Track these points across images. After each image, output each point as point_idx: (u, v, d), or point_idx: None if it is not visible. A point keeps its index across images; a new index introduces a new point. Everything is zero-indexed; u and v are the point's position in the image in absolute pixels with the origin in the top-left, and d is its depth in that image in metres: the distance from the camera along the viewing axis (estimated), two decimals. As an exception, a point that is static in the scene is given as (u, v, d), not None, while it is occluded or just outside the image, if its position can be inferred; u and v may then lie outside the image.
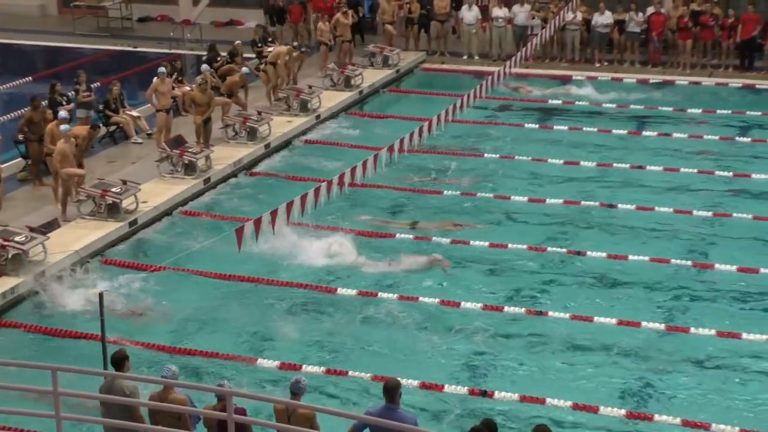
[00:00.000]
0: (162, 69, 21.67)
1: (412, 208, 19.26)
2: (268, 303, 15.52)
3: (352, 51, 27.60)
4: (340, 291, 15.85)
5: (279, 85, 24.41)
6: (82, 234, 17.39)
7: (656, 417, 12.57)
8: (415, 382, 13.17)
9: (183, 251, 16.32)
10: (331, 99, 24.65)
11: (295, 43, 26.06)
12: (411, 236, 17.83)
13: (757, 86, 26.04)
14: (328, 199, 17.49)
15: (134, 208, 18.24)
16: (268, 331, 14.74)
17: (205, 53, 25.40)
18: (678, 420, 12.45)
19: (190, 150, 20.04)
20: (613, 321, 14.75)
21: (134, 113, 22.47)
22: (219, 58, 24.57)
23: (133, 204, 18.25)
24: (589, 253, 16.88)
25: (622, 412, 12.66)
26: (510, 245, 17.20)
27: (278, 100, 24.05)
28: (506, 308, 15.20)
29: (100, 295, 12.35)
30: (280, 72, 24.40)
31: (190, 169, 19.83)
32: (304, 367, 13.66)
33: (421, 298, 15.52)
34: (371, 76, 26.54)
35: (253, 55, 25.92)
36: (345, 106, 24.93)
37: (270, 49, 25.25)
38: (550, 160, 21.25)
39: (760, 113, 23.89)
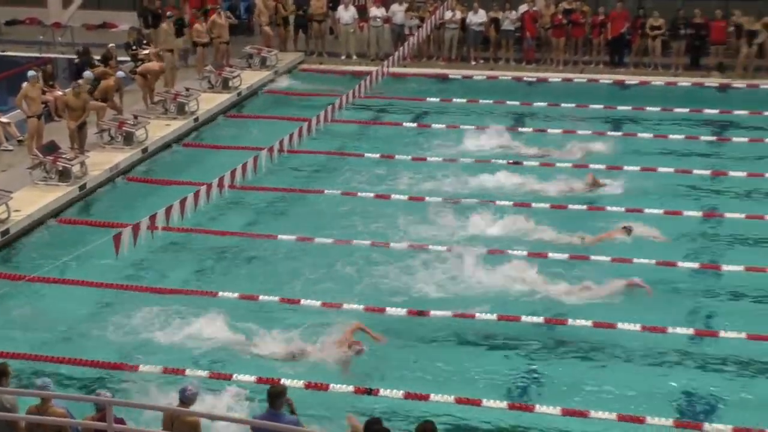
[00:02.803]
0: (32, 73, 21.08)
1: (291, 208, 19.19)
2: (152, 309, 15.22)
3: (230, 52, 27.38)
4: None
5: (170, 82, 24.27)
6: (-49, 245, 16.86)
7: (537, 407, 12.76)
8: (300, 383, 13.12)
9: (58, 260, 15.94)
10: (209, 101, 24.42)
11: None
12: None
13: (627, 82, 26.83)
14: (208, 202, 17.35)
15: (6, 218, 17.71)
16: (153, 337, 14.47)
17: (76, 57, 24.85)
18: (558, 409, 12.70)
19: (64, 156, 19.58)
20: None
21: (4, 119, 21.84)
22: (93, 62, 24.07)
23: (4, 213, 17.72)
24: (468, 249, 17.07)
25: (504, 404, 12.85)
26: (391, 244, 17.25)
27: (155, 104, 23.70)
28: (388, 309, 15.20)
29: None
30: (166, 77, 24.23)
31: (64, 175, 19.37)
32: (188, 370, 13.46)
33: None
34: (249, 78, 26.39)
35: (128, 58, 25.46)
36: (223, 108, 24.75)
37: (145, 51, 24.87)
38: (429, 158, 21.45)
39: (630, 108, 24.60)
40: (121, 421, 9.84)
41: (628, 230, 17.15)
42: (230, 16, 28.21)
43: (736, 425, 12.27)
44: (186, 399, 10.52)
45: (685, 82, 26.64)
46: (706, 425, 12.37)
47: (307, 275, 16.28)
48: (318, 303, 15.28)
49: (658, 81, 26.79)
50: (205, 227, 18.01)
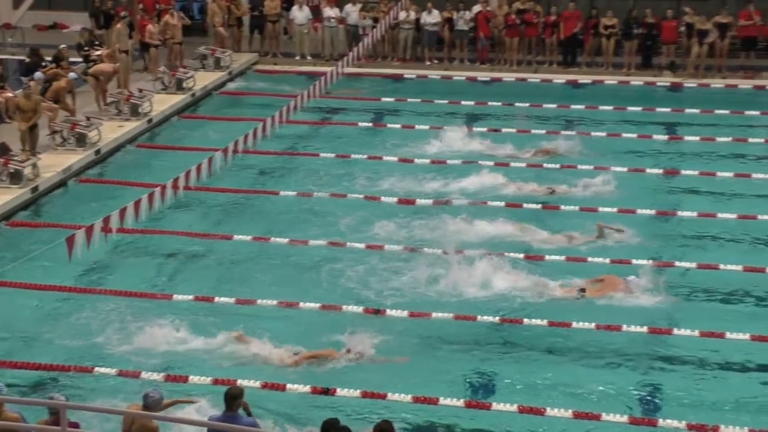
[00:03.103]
0: (-19, 75, 20.83)
1: (247, 209, 19.12)
2: (107, 312, 15.07)
3: (183, 53, 27.22)
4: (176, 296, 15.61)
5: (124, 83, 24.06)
6: None
7: (494, 405, 12.81)
8: (257, 383, 13.05)
9: (10, 263, 15.74)
10: (163, 102, 24.25)
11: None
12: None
13: (580, 81, 27.04)
14: (163, 204, 17.23)
15: (-43, 221, 17.50)
16: (108, 340, 14.32)
17: (27, 58, 24.57)
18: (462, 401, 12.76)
19: (15, 158, 19.33)
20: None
21: (-47, 122, 21.57)
22: (44, 63, 23.81)
23: (-45, 216, 17.50)
24: (426, 249, 17.12)
25: (461, 402, 12.90)
26: (348, 244, 17.24)
27: (108, 105, 23.49)
28: (343, 307, 15.19)
29: None
30: (120, 78, 24.04)
31: (15, 178, 19.12)
32: (143, 373, 13.35)
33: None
34: (203, 79, 26.25)
35: (80, 59, 25.20)
36: (178, 109, 24.59)
37: (98, 52, 24.64)
38: (385, 158, 21.47)
39: (583, 107, 24.79)
40: (75, 425, 9.74)
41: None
42: (183, 17, 28.04)
43: (690, 422, 12.35)
44: (149, 404, 10.47)
45: (637, 81, 26.93)
46: (661, 421, 12.45)
47: (262, 276, 16.23)
48: (275, 302, 15.22)
49: (611, 80, 27.04)
50: (160, 228, 17.86)
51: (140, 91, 23.89)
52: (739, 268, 16.28)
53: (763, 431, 12.11)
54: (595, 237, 17.29)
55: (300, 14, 28.79)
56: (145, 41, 26.48)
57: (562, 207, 18.79)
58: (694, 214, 18.28)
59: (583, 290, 15.40)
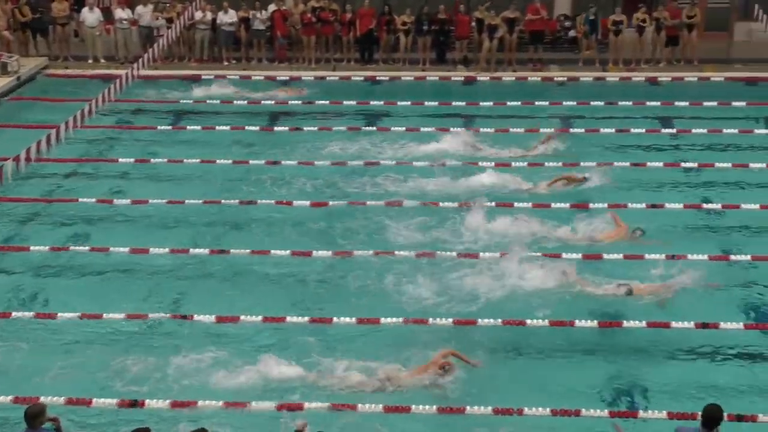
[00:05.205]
0: None
1: (43, 218, 18.45)
2: None
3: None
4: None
5: None
6: None
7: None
8: (61, 399, 12.62)
9: None
10: (-54, 111, 23.11)
11: None
12: None
13: (378, 78, 27.42)
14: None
15: None
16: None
17: None
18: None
19: None
20: (259, 318, 14.73)
21: None
22: None
23: None
24: (232, 250, 16.98)
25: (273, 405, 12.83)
26: (151, 249, 16.91)
27: None
28: (150, 315, 14.91)
29: None
30: None
31: None
32: None
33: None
34: (-10, 85, 25.19)
35: None
36: (-37, 118, 23.49)
37: None
38: (186, 161, 21.15)
39: (382, 102, 25.16)
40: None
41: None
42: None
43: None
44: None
45: (433, 76, 27.55)
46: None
47: (64, 286, 15.78)
48: (77, 315, 14.77)
49: (407, 76, 27.56)
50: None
51: None
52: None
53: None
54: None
55: (91, 16, 27.97)
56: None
57: (368, 203, 18.96)
58: (493, 204, 18.70)
59: (630, 289, 15.35)
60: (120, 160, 21.27)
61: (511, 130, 22.97)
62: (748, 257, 16.53)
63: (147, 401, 12.68)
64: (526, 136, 22.29)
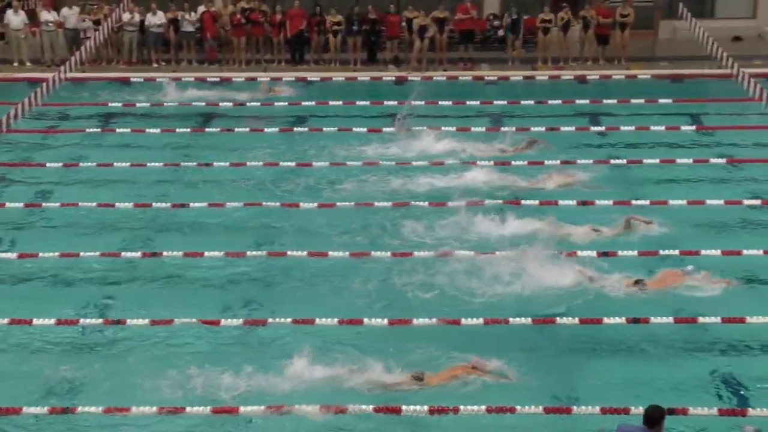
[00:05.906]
0: None
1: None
2: None
3: None
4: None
5: None
6: None
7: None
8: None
9: None
10: None
11: None
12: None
13: (309, 78, 27.36)
14: None
15: None
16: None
17: None
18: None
19: None
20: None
21: None
22: None
23: None
24: (165, 253, 16.81)
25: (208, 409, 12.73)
26: (82, 254, 16.68)
27: None
28: (82, 320, 14.68)
29: None
30: None
31: None
32: None
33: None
34: None
35: None
36: None
37: None
38: (116, 164, 20.89)
39: (313, 103, 25.11)
40: None
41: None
42: None
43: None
44: None
45: (364, 76, 27.56)
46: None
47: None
48: (5, 321, 14.52)
49: (339, 76, 27.55)
50: None
51: None
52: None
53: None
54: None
55: (15, 18, 27.53)
56: None
57: (303, 204, 18.96)
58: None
59: (644, 283, 15.32)
60: (48, 164, 20.94)
61: (442, 128, 23.05)
62: (677, 252, 16.78)
63: (79, 408, 12.51)
64: (458, 135, 22.41)
